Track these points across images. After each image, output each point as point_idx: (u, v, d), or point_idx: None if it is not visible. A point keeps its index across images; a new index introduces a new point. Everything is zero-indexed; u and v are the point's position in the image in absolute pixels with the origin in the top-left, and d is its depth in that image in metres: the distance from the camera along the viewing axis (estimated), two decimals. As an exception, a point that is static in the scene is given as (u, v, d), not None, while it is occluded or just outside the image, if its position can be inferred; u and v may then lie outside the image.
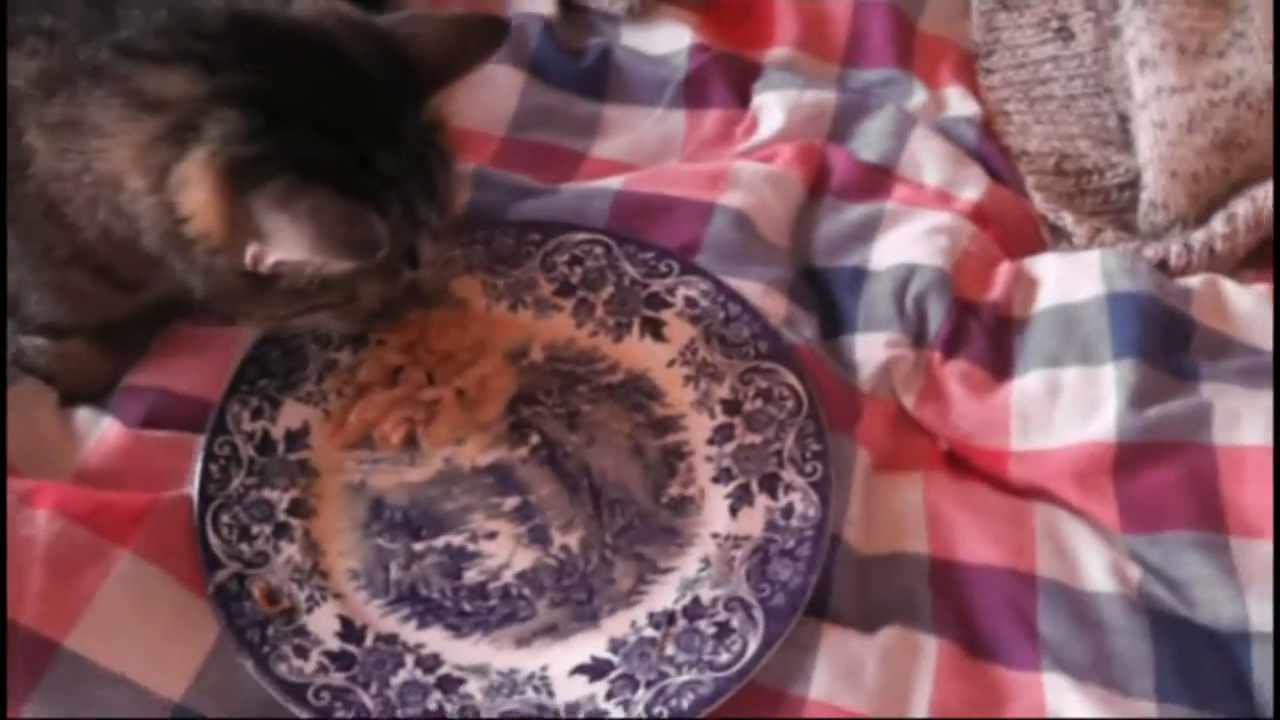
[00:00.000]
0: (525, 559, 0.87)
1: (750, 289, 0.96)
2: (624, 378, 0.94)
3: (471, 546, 0.87)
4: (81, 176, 0.81)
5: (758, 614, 0.83)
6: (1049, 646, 0.83)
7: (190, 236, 0.78)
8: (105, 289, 0.88)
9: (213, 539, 0.85)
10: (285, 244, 0.75)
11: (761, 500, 0.88)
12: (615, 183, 1.03)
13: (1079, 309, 0.95)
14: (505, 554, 0.87)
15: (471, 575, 0.86)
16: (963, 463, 0.92)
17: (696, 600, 0.84)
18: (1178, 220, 1.01)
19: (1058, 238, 1.03)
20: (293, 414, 0.92)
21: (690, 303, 0.96)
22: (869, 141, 1.05)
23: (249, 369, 0.93)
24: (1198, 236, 1.00)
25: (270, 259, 0.77)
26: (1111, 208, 1.05)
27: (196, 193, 0.76)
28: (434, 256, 0.86)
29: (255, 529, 0.87)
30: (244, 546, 0.86)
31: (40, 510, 0.82)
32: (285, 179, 0.75)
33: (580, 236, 0.99)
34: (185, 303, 0.91)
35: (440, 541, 0.87)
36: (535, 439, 0.92)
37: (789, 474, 0.88)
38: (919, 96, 1.10)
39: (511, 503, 0.89)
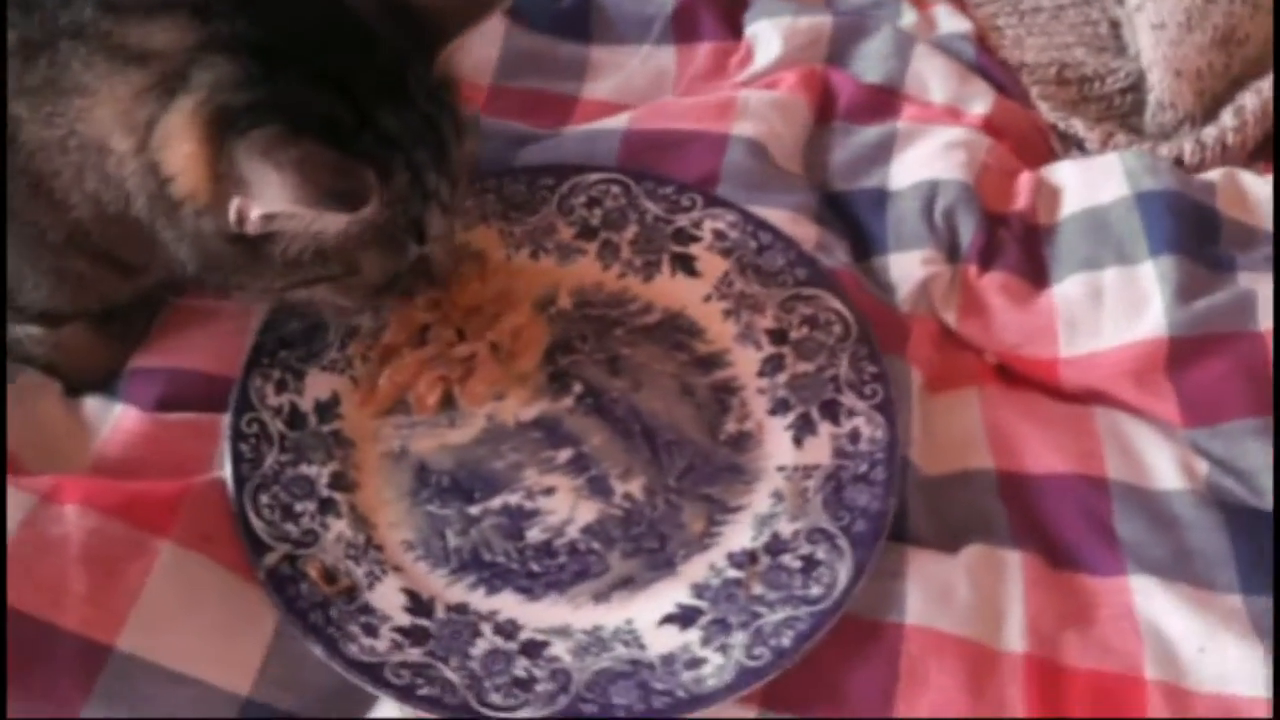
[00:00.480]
0: (588, 512, 0.83)
1: (777, 217, 0.93)
2: (660, 317, 0.91)
3: (530, 504, 0.83)
4: (67, 142, 0.74)
5: (842, 543, 0.80)
6: (1129, 549, 0.82)
7: (176, 198, 0.72)
8: (105, 274, 0.81)
9: (255, 521, 0.80)
10: (267, 194, 0.69)
11: (825, 428, 0.85)
12: (620, 121, 0.99)
13: (1106, 211, 0.94)
14: (566, 509, 0.83)
15: (535, 534, 0.82)
16: (1013, 374, 0.91)
17: (776, 536, 0.81)
18: (1186, 119, 1.02)
19: (1067, 146, 1.02)
20: (319, 384, 0.86)
21: (719, 235, 0.92)
22: (871, 64, 1.03)
23: (266, 341, 0.87)
24: (1209, 132, 1.00)
25: (254, 213, 0.70)
26: (1115, 112, 1.05)
27: (181, 145, 0.71)
28: (443, 231, 0.79)
29: (298, 507, 0.81)
30: (289, 526, 0.80)
31: (69, 506, 0.76)
32: (273, 128, 0.69)
33: (595, 177, 0.94)
34: (183, 282, 0.86)
35: (496, 502, 0.83)
36: (578, 388, 0.88)
37: (849, 399, 0.86)
38: (909, 17, 1.08)
39: (565, 455, 0.85)
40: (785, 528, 0.81)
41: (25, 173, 0.76)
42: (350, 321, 0.87)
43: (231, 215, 0.71)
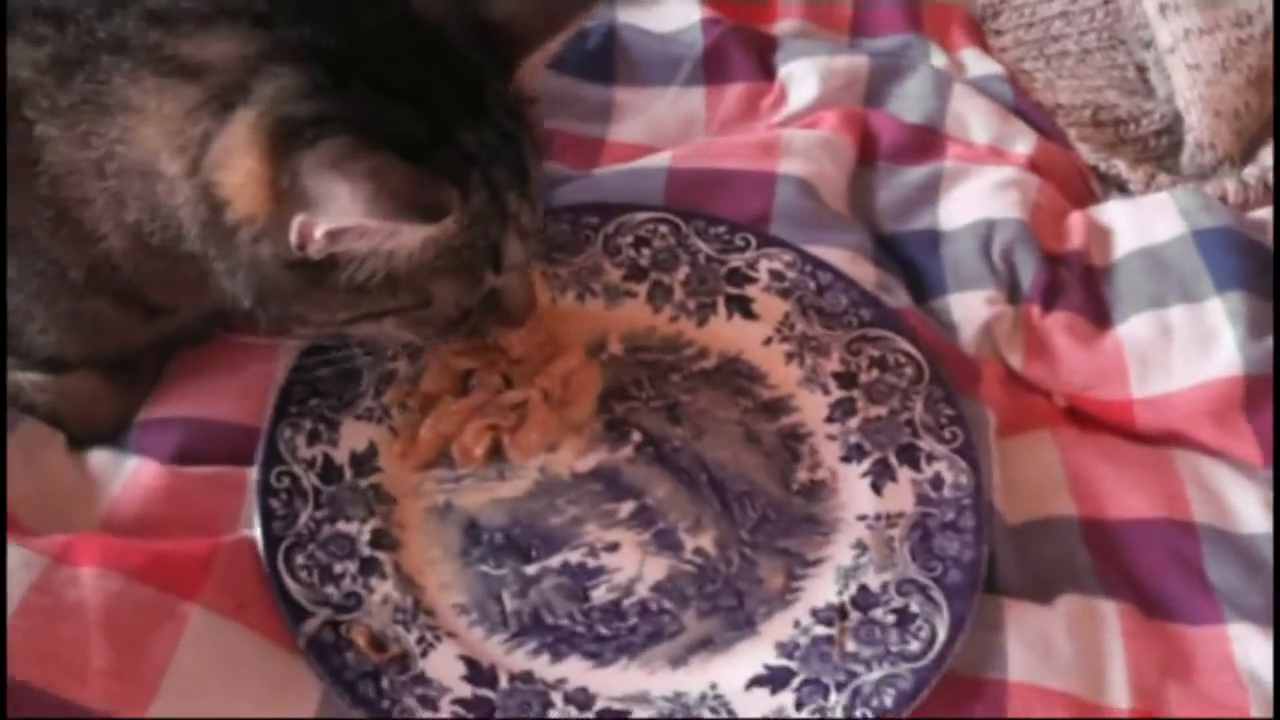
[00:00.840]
0: (658, 569, 0.76)
1: (835, 256, 0.88)
2: (718, 362, 0.85)
3: (593, 562, 0.76)
4: (105, 166, 0.67)
5: (936, 594, 0.74)
6: (1224, 596, 0.77)
7: (232, 222, 0.66)
8: (128, 316, 0.74)
9: (291, 585, 0.71)
10: (335, 208, 0.62)
11: (905, 474, 0.79)
12: (663, 160, 0.94)
13: (1164, 249, 0.91)
14: (634, 566, 0.76)
15: (600, 594, 0.74)
16: (1086, 417, 0.87)
17: (864, 589, 0.74)
18: (1225, 159, 1.00)
19: (1107, 187, 1.00)
20: (354, 434, 0.79)
21: (776, 276, 0.87)
22: (910, 104, 1.00)
23: (295, 388, 0.79)
24: (1251, 172, 0.98)
25: (319, 230, 0.63)
26: (1151, 154, 1.02)
27: (241, 161, 0.64)
28: (520, 259, 0.73)
29: (338, 568, 0.73)
30: (330, 589, 0.72)
31: (85, 569, 0.68)
32: (343, 138, 0.63)
33: (643, 216, 0.89)
34: (214, 325, 0.79)
35: (555, 561, 0.76)
36: (637, 436, 0.81)
37: (927, 443, 0.80)
38: (938, 60, 1.05)
39: (627, 508, 0.78)
40: (873, 580, 0.75)
41: (50, 202, 0.69)
42: (385, 366, 0.80)
43: (293, 236, 0.64)
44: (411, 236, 0.65)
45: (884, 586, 0.75)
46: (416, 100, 0.67)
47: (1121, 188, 1.00)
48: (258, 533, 0.73)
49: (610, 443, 0.81)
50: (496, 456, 0.80)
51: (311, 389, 0.79)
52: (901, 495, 0.79)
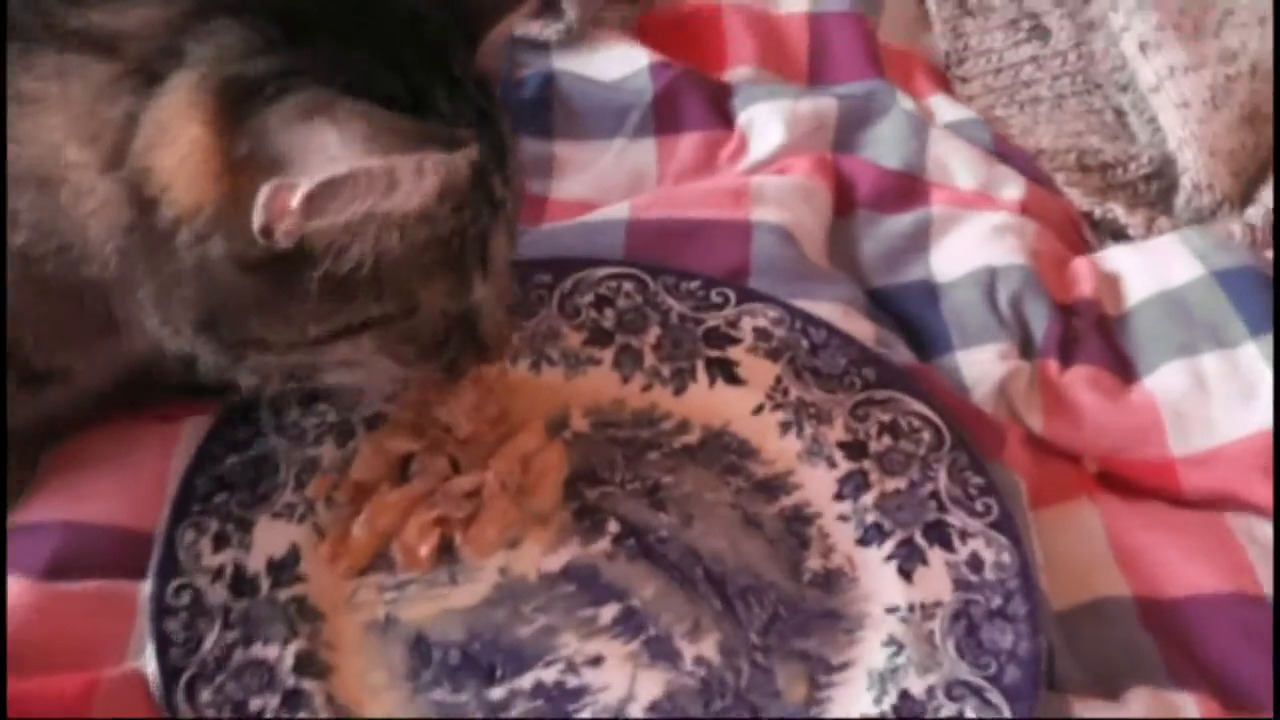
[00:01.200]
0: (653, 684, 0.62)
1: (826, 311, 0.77)
2: (702, 436, 0.72)
3: (573, 680, 0.61)
4: None
5: (994, 697, 0.61)
6: (1310, 679, 0.67)
7: (168, 222, 0.53)
8: (4, 387, 0.60)
9: (196, 728, 0.57)
10: (320, 157, 0.51)
11: (936, 555, 0.67)
12: (620, 211, 0.82)
13: (1184, 293, 0.82)
14: (623, 683, 0.62)
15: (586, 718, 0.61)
16: (1121, 481, 0.76)
17: (906, 696, 0.61)
18: (1224, 200, 0.91)
19: (1100, 235, 0.91)
20: (271, 536, 0.64)
21: (762, 334, 0.75)
22: (886, 149, 0.90)
23: (197, 481, 0.65)
24: (1254, 213, 0.90)
25: (300, 193, 0.51)
26: (1142, 200, 0.94)
27: (181, 134, 0.52)
28: (502, 266, 0.63)
29: (255, 703, 0.58)
30: (246, 732, 0.57)
31: (-76, 716, 0.52)
32: (315, 91, 0.52)
33: (603, 272, 0.77)
34: (113, 402, 0.65)
35: (526, 681, 0.61)
36: (614, 526, 0.68)
37: (958, 517, 0.68)
38: (906, 105, 0.96)
39: (610, 613, 0.64)
40: (915, 684, 0.62)
41: None
42: (306, 453, 0.66)
43: (258, 216, 0.52)
44: (415, 188, 0.53)
45: (930, 691, 0.62)
46: (386, 56, 0.56)
47: (1116, 235, 0.91)
48: (151, 664, 0.58)
49: (583, 535, 0.67)
50: (447, 557, 0.66)
51: (218, 482, 0.65)
52: (936, 581, 0.66)
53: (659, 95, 0.92)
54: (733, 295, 0.77)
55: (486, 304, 0.62)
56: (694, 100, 0.92)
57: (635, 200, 0.84)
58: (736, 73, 0.97)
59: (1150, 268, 0.85)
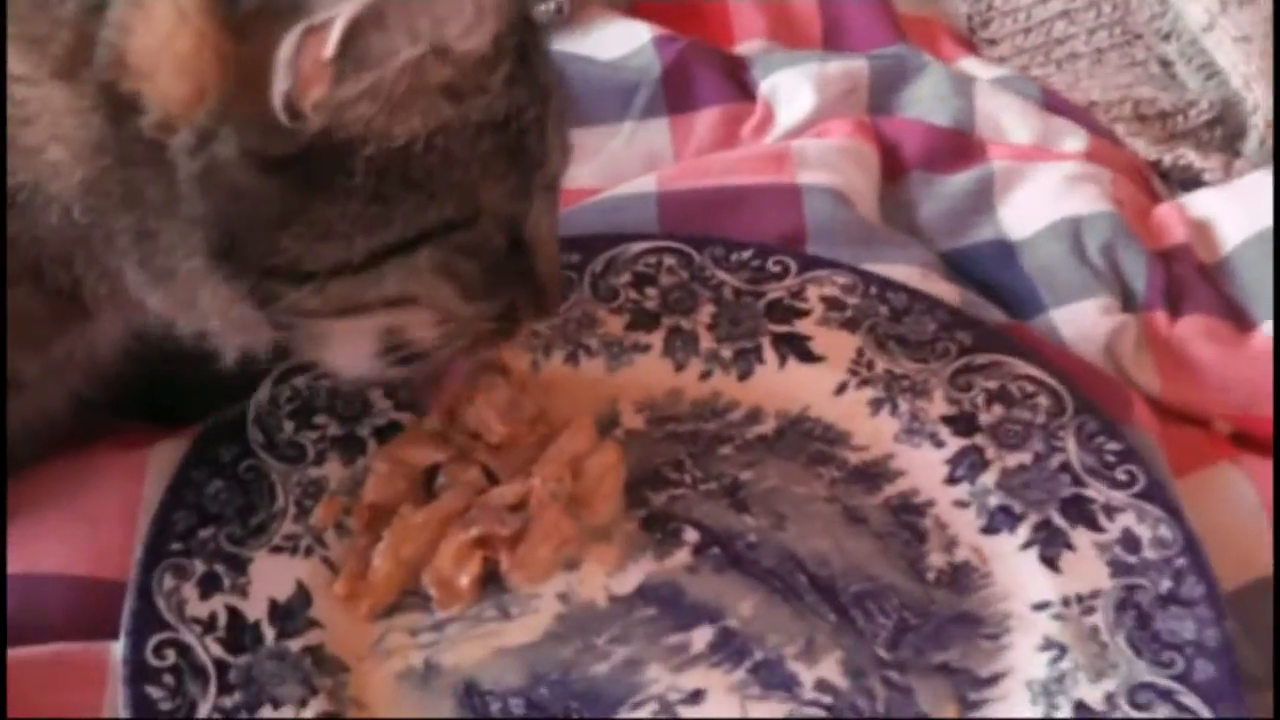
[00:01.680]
0: (769, 716, 0.50)
1: (902, 274, 0.66)
2: (778, 425, 0.60)
3: (669, 721, 0.50)
4: None
5: (1188, 699, 0.50)
6: None
7: (155, 125, 0.43)
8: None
9: (196, 821, 0.43)
10: None
11: (1082, 536, 0.55)
12: (647, 185, 0.71)
13: None
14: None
15: (692, 768, 0.48)
16: (1259, 442, 0.65)
17: (1082, 706, 0.49)
18: (1301, 136, 0.83)
19: (1170, 184, 0.82)
20: (272, 575, 0.52)
21: (833, 304, 0.64)
22: (930, 107, 0.79)
23: (175, 515, 0.52)
24: (1335, 146, 0.81)
25: (335, 36, 0.41)
26: (1208, 148, 0.84)
27: (160, 4, 0.42)
28: (560, 168, 0.54)
29: (271, 784, 0.46)
30: (260, 821, 0.44)
31: None
32: None
33: (639, 248, 0.65)
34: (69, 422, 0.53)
35: (612, 727, 0.49)
36: (693, 535, 0.56)
37: (1099, 490, 0.57)
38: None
39: (703, 637, 0.52)
40: (1090, 692, 0.50)
41: None
42: (307, 473, 0.54)
43: (280, 86, 0.42)
44: (472, 18, 0.44)
45: (1109, 699, 0.50)
46: None
47: (1186, 184, 0.82)
48: (132, 743, 0.45)
49: (656, 548, 0.55)
50: (492, 586, 0.54)
51: (200, 514, 0.52)
52: (1087, 567, 0.54)
53: (668, 70, 0.82)
54: (793, 263, 0.65)
55: (541, 229, 0.52)
56: (707, 73, 0.82)
57: (660, 173, 0.72)
58: (748, 46, 0.87)
59: (1244, 208, 0.75)
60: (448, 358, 0.52)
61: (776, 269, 0.65)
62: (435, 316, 0.50)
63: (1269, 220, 0.74)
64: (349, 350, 0.50)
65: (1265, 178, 0.78)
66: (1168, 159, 0.82)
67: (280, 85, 0.42)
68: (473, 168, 0.48)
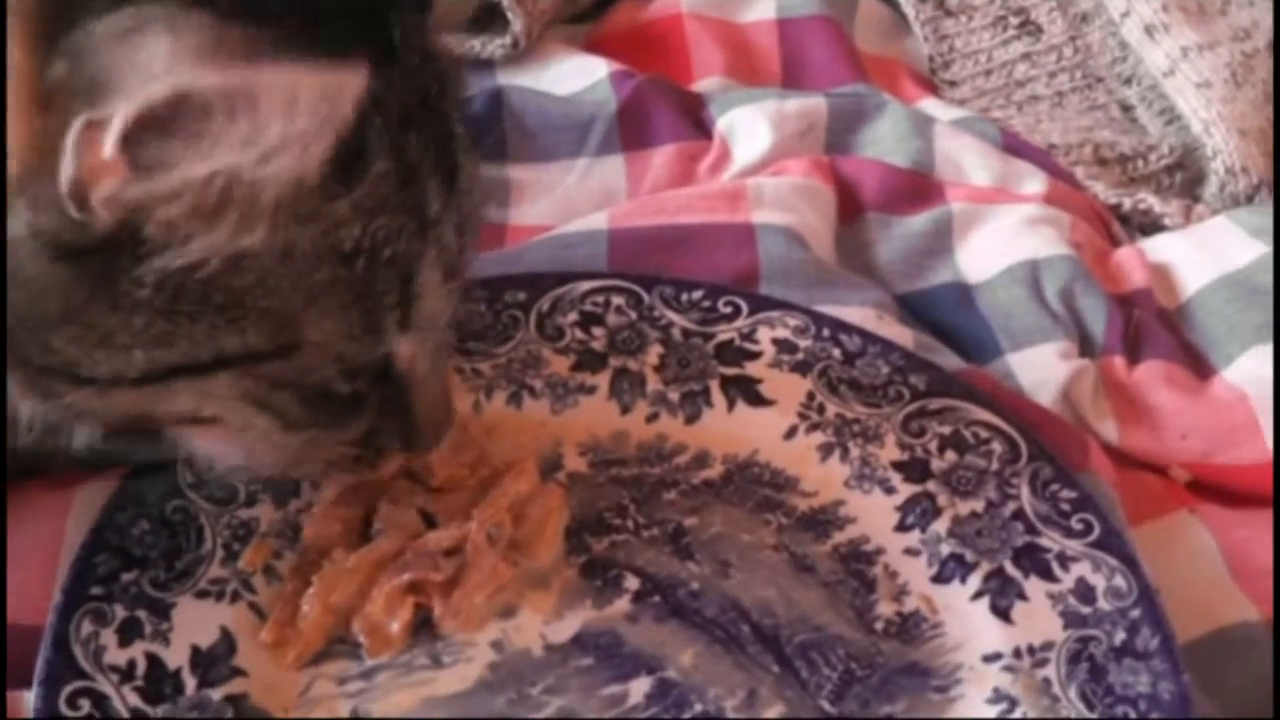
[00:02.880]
0: (707, 773, 0.48)
1: (855, 316, 0.65)
2: (725, 470, 0.59)
3: (607, 777, 0.48)
4: None
5: (1145, 757, 0.49)
6: None
7: None
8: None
9: None
10: (142, 76, 0.36)
11: (1035, 586, 0.54)
12: (597, 222, 0.70)
13: (1250, 274, 0.72)
14: (670, 775, 0.48)
15: (628, 827, 0.47)
16: (1218, 490, 0.64)
17: (1034, 763, 0.49)
18: (1260, 184, 0.81)
19: (1129, 229, 0.81)
20: (196, 621, 0.50)
21: (784, 346, 0.62)
22: (888, 147, 0.79)
23: (97, 559, 0.50)
24: (1294, 195, 0.81)
25: (115, 127, 0.36)
26: (1167, 193, 0.84)
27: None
28: (439, 310, 0.48)
29: (186, 845, 0.44)
30: None
31: None
32: (166, 3, 0.37)
33: (587, 286, 0.64)
34: None
35: (547, 783, 0.48)
36: (633, 582, 0.54)
37: (1053, 539, 0.56)
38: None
39: (640, 688, 0.50)
40: (1043, 748, 0.50)
41: None
42: (237, 514, 0.52)
43: (65, 173, 0.37)
44: (286, 132, 0.37)
45: (1059, 755, 0.49)
46: (296, 9, 0.41)
47: (1146, 229, 0.81)
48: (39, 801, 0.44)
49: (595, 595, 0.54)
50: (424, 633, 0.52)
51: (124, 557, 0.50)
52: (1040, 618, 0.53)
53: (623, 106, 0.81)
54: (744, 304, 0.64)
55: (416, 366, 0.48)
56: (663, 110, 0.81)
57: (613, 210, 0.71)
58: (705, 84, 0.87)
59: (1205, 253, 0.75)
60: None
61: (727, 309, 0.64)
62: (257, 438, 0.45)
63: (1230, 266, 0.74)
64: (207, 446, 0.47)
65: (1226, 223, 0.77)
66: (1128, 203, 0.82)
67: (66, 171, 0.38)
68: (294, 298, 0.42)
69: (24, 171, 0.38)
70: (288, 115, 0.37)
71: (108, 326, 0.40)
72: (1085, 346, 0.69)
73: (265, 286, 0.42)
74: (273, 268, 0.41)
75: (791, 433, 0.60)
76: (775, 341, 0.63)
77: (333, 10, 0.43)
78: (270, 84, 0.37)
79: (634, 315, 0.64)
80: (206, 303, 0.41)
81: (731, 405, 0.61)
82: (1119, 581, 0.54)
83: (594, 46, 0.89)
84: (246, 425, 0.45)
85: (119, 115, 0.36)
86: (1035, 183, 0.79)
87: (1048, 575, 0.55)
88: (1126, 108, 0.91)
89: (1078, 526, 0.56)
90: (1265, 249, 0.73)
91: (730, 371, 0.62)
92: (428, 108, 0.45)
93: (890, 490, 0.58)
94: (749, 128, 0.79)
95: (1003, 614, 0.54)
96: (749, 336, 0.63)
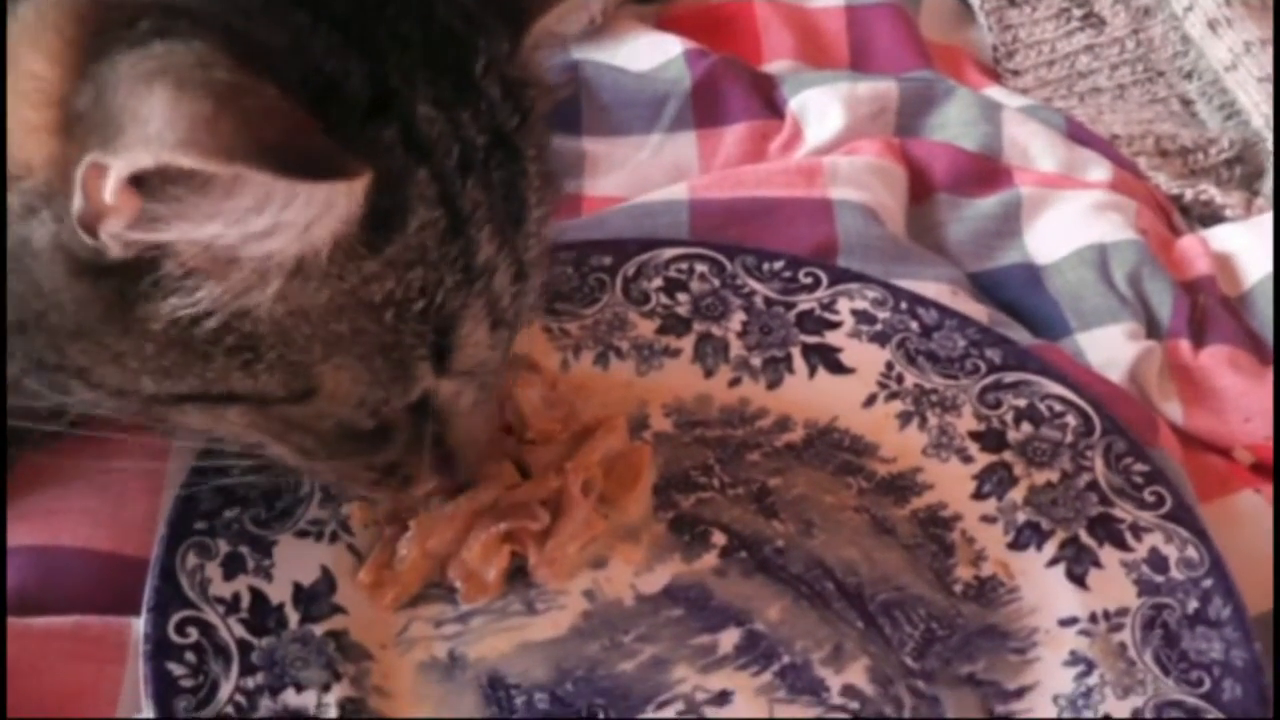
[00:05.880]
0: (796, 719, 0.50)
1: (931, 291, 0.66)
2: (806, 434, 0.60)
3: (695, 722, 0.49)
4: None
5: (1214, 717, 0.50)
6: None
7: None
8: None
9: (217, 801, 0.43)
10: (140, 133, 0.36)
11: (1110, 554, 0.55)
12: (678, 192, 0.71)
13: None
14: (758, 721, 0.50)
15: (718, 769, 0.48)
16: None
17: (1110, 723, 0.50)
18: (1319, 178, 0.84)
19: (1189, 219, 0.82)
20: (297, 559, 0.51)
21: (864, 317, 0.64)
22: (958, 131, 0.79)
23: (200, 494, 0.51)
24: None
25: (113, 178, 0.36)
26: (1228, 185, 0.85)
27: (21, 63, 0.39)
28: (484, 359, 0.46)
29: (292, 767, 0.45)
30: (280, 804, 0.43)
31: None
32: (196, 44, 0.37)
33: (671, 253, 0.65)
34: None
35: (639, 725, 0.49)
36: (721, 538, 0.55)
37: (1127, 510, 0.57)
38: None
39: (730, 639, 0.52)
40: (1117, 708, 0.50)
41: None
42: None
43: (75, 205, 0.38)
44: (275, 220, 0.37)
45: (1137, 716, 0.50)
46: (356, 35, 0.41)
47: (1206, 220, 0.82)
48: (151, 715, 0.45)
49: (683, 549, 0.55)
50: (518, 580, 0.53)
51: (226, 494, 0.52)
52: (1114, 584, 0.54)
53: (697, 84, 0.82)
54: (824, 276, 0.65)
55: (458, 403, 0.47)
56: (736, 89, 0.82)
57: (693, 181, 0.73)
58: (775, 67, 0.88)
59: (1265, 245, 0.75)
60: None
61: (808, 280, 0.65)
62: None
63: (1292, 258, 0.75)
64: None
65: (1277, 217, 0.79)
66: (1189, 194, 0.82)
67: (76, 203, 0.38)
68: (311, 349, 0.42)
69: (48, 184, 0.39)
70: (283, 205, 0.37)
71: (119, 348, 0.41)
72: (1151, 329, 0.70)
73: (279, 336, 0.41)
74: (287, 318, 0.41)
75: (871, 401, 0.62)
76: (854, 312, 0.64)
77: (408, 41, 0.43)
78: (257, 180, 0.36)
79: (717, 283, 0.65)
80: (218, 344, 0.41)
81: (812, 372, 0.63)
82: (1191, 553, 0.55)
83: (665, 27, 0.90)
84: (258, 447, 0.46)
85: (114, 169, 0.36)
86: (1100, 171, 0.80)
87: (1121, 544, 0.56)
88: (1186, 102, 0.92)
89: (1150, 499, 0.57)
90: (1327, 243, 0.74)
91: (811, 340, 0.63)
92: (501, 145, 0.44)
93: (968, 459, 0.59)
94: (821, 109, 0.81)
95: (1078, 580, 0.55)
96: (829, 307, 0.64)
